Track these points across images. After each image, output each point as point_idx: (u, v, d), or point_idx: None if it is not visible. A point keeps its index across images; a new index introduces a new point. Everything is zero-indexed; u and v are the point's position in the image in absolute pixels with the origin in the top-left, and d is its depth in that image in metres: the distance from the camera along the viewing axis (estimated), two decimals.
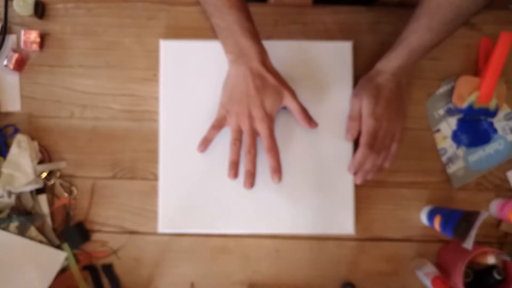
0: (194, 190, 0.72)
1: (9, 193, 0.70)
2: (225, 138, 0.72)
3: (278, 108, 0.67)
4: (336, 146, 0.72)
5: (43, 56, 0.75)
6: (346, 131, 0.72)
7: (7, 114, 0.75)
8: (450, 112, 0.75)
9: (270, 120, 0.67)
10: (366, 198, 0.74)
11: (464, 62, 0.75)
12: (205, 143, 0.70)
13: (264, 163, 0.70)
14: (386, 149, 0.70)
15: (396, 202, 0.74)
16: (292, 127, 0.72)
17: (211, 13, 0.64)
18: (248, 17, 0.64)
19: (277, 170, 0.68)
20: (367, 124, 0.68)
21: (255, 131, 0.68)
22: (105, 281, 0.73)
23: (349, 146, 0.72)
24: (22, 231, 0.70)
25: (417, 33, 0.64)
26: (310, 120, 0.69)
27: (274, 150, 0.68)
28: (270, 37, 0.74)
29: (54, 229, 0.73)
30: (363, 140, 0.69)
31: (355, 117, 0.70)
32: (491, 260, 0.66)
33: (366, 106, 0.68)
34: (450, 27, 0.62)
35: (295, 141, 0.72)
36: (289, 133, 0.72)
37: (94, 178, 0.74)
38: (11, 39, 0.75)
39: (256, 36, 0.65)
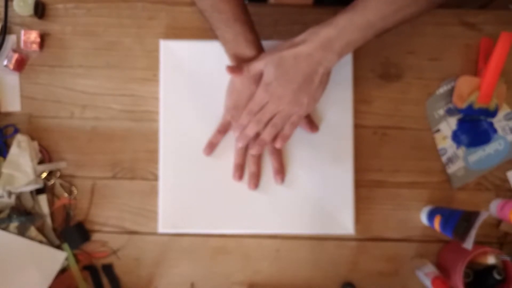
0: (194, 190, 0.72)
1: (9, 193, 0.70)
2: (225, 138, 0.72)
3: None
4: (336, 147, 0.72)
5: (43, 56, 0.75)
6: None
7: (7, 114, 0.75)
8: (450, 112, 0.75)
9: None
10: (366, 198, 0.74)
11: (464, 62, 0.75)
12: (211, 147, 0.72)
13: (265, 164, 0.71)
14: (275, 127, 0.66)
15: (396, 202, 0.74)
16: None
17: (217, 26, 0.66)
18: (251, 29, 0.66)
19: (280, 172, 0.71)
20: (257, 94, 0.65)
21: (259, 135, 0.69)
22: (105, 281, 0.73)
23: (349, 146, 0.72)
24: (22, 231, 0.70)
25: (366, 7, 0.59)
26: (312, 125, 0.71)
27: (277, 153, 0.71)
28: (270, 37, 0.74)
29: (54, 229, 0.73)
30: (248, 104, 0.66)
31: (252, 77, 0.66)
32: (491, 260, 0.66)
33: (265, 75, 0.64)
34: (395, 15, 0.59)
35: (296, 142, 0.72)
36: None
37: (94, 178, 0.74)
38: (11, 39, 0.75)
39: (259, 46, 0.67)
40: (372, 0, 0.58)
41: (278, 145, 0.67)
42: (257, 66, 0.64)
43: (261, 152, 0.69)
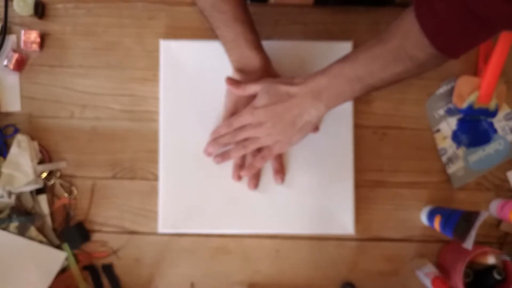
0: (194, 190, 0.72)
1: (9, 193, 0.70)
2: None
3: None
4: (336, 147, 0.72)
5: (43, 56, 0.75)
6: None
7: (7, 114, 0.74)
8: (450, 112, 0.75)
9: None
10: (366, 198, 0.74)
11: (464, 62, 0.75)
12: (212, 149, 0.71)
13: (265, 165, 0.71)
14: (243, 149, 0.67)
15: (396, 202, 0.74)
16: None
17: (217, 26, 0.66)
18: (252, 29, 0.66)
19: (280, 172, 0.71)
20: (243, 113, 0.66)
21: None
22: (105, 281, 0.73)
23: (349, 147, 0.72)
24: (22, 231, 0.70)
25: (355, 60, 0.59)
26: None
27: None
28: (270, 37, 0.74)
29: (54, 229, 0.73)
30: (231, 118, 0.67)
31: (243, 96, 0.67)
32: (491, 260, 0.66)
33: (257, 99, 0.65)
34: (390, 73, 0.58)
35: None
36: None
37: (94, 178, 0.74)
38: (11, 39, 0.75)
39: (260, 46, 0.67)
40: (360, 55, 0.58)
41: (244, 173, 0.69)
42: (254, 88, 0.66)
43: (220, 163, 0.70)
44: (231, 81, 0.67)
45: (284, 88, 0.63)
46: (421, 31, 0.52)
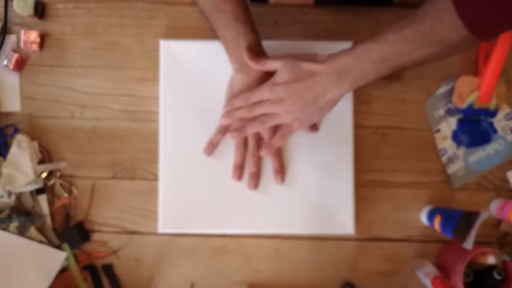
0: (194, 190, 0.72)
1: (9, 193, 0.70)
2: (225, 138, 0.72)
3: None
4: (336, 147, 0.72)
5: (43, 56, 0.75)
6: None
7: (7, 114, 0.74)
8: (450, 112, 0.75)
9: (274, 126, 0.69)
10: (366, 198, 0.74)
11: (464, 62, 0.75)
12: (211, 147, 0.72)
13: (265, 165, 0.71)
14: (261, 124, 0.65)
15: (396, 202, 0.74)
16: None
17: (218, 26, 0.66)
18: (252, 28, 0.66)
19: (280, 172, 0.71)
20: (262, 88, 0.64)
21: (259, 135, 0.70)
22: (105, 281, 0.73)
23: (349, 146, 0.72)
24: (22, 231, 0.70)
25: (383, 41, 0.58)
26: (312, 125, 0.71)
27: (277, 153, 0.71)
28: (270, 37, 0.74)
29: (54, 229, 0.73)
30: (248, 92, 0.66)
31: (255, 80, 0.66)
32: (491, 260, 0.66)
33: (277, 75, 0.63)
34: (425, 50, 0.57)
35: (296, 142, 0.72)
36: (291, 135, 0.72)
37: (94, 178, 0.74)
38: (11, 39, 0.75)
39: (260, 47, 0.67)
40: (389, 35, 0.57)
41: (262, 153, 0.67)
42: (274, 64, 0.64)
43: (235, 138, 0.69)
44: (250, 54, 0.64)
45: (307, 66, 0.61)
46: (456, 12, 0.51)
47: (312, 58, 0.62)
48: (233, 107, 0.67)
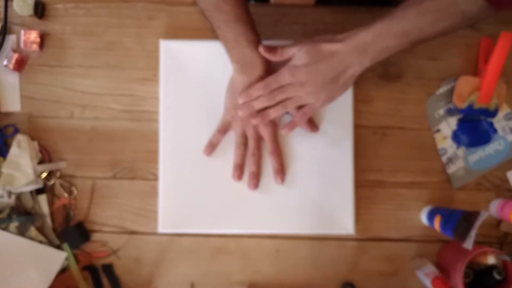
0: (194, 190, 0.72)
1: (9, 193, 0.70)
2: (225, 138, 0.72)
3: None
4: (336, 147, 0.72)
5: (43, 56, 0.75)
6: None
7: (7, 114, 0.74)
8: (450, 112, 0.75)
9: (273, 125, 0.71)
10: (366, 198, 0.74)
11: (464, 62, 0.75)
12: (211, 147, 0.72)
13: (265, 165, 0.71)
14: (285, 108, 0.66)
15: (396, 202, 0.74)
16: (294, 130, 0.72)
17: (218, 26, 0.66)
18: (253, 29, 0.66)
19: (280, 172, 0.71)
20: (281, 73, 0.64)
21: (259, 135, 0.71)
22: (105, 281, 0.73)
23: (349, 146, 0.72)
24: (22, 231, 0.70)
25: (403, 17, 0.59)
26: (312, 125, 0.71)
27: (277, 153, 0.71)
28: (270, 37, 0.74)
29: (54, 229, 0.73)
30: (265, 79, 0.66)
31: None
32: (491, 260, 0.66)
33: (296, 58, 0.64)
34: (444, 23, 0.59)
35: (296, 142, 0.72)
36: (291, 135, 0.72)
37: (94, 178, 0.74)
38: (11, 39, 0.75)
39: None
40: (410, 10, 0.59)
41: (285, 131, 0.68)
42: (291, 50, 0.65)
43: (260, 124, 0.69)
44: (266, 48, 0.65)
45: (326, 46, 0.62)
46: None
47: (329, 39, 0.63)
48: (249, 98, 0.67)
